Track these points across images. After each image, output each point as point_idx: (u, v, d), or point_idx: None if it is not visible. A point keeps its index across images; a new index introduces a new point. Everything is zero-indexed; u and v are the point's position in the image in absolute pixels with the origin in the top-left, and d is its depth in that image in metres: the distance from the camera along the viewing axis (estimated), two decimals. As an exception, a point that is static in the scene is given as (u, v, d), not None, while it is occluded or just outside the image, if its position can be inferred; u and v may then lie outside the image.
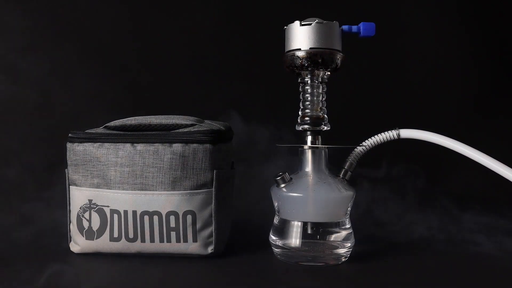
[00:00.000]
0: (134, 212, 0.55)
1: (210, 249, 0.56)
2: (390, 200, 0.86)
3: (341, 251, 0.56)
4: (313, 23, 0.55)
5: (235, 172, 0.63)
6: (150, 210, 0.55)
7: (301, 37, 0.56)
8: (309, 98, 0.58)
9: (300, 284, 0.50)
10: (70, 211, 0.59)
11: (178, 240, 0.55)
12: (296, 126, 0.59)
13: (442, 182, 1.05)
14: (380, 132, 0.60)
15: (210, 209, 0.56)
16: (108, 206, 0.56)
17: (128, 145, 0.56)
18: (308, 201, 0.55)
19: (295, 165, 0.60)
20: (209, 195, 0.56)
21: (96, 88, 1.04)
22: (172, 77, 1.07)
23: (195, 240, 0.55)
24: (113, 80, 1.05)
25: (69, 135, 0.58)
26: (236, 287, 0.49)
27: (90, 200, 0.57)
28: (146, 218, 0.55)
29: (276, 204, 0.59)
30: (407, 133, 0.59)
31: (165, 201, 0.55)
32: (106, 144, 0.57)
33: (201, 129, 0.56)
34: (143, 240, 0.56)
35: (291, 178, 0.58)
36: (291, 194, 0.56)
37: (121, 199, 0.55)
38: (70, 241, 0.59)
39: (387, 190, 0.85)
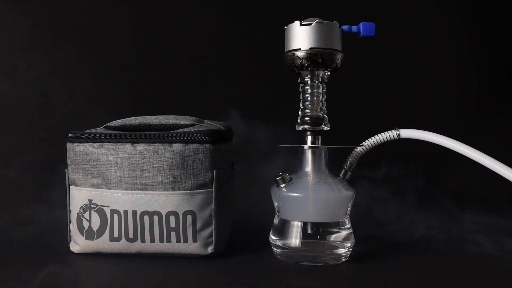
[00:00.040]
0: (134, 212, 0.55)
1: (210, 249, 0.56)
2: (390, 200, 0.86)
3: (341, 251, 0.56)
4: (313, 23, 0.55)
5: (235, 172, 0.63)
6: (150, 210, 0.55)
7: (301, 37, 0.56)
8: (309, 98, 0.58)
9: (300, 284, 0.50)
10: (70, 211, 0.59)
11: (178, 240, 0.55)
12: (296, 126, 0.59)
13: (442, 182, 1.05)
14: (380, 132, 0.60)
15: (210, 209, 0.56)
16: (108, 206, 0.56)
17: (128, 145, 0.56)
18: (308, 201, 0.55)
19: (295, 165, 0.60)
20: (209, 195, 0.56)
21: (96, 88, 1.04)
22: (172, 77, 1.07)
23: (195, 240, 0.55)
24: (113, 80, 1.05)
25: (69, 135, 0.58)
26: (236, 287, 0.49)
27: (90, 200, 0.57)
28: (146, 218, 0.55)
29: (276, 204, 0.59)
30: (407, 133, 0.59)
31: (165, 201, 0.55)
32: (106, 144, 0.57)
33: (201, 129, 0.56)
34: (143, 240, 0.56)
35: (291, 178, 0.58)
36: (291, 194, 0.56)
37: (121, 199, 0.55)
38: (70, 241, 0.59)
39: (387, 190, 0.85)
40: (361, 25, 0.57)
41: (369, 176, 0.79)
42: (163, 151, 0.55)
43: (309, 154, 0.58)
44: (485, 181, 0.93)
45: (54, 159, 0.72)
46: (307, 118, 0.58)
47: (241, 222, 0.73)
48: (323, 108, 0.59)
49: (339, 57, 0.57)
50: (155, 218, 0.55)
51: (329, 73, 0.58)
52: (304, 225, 0.56)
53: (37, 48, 1.03)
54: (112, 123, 0.60)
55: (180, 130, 0.57)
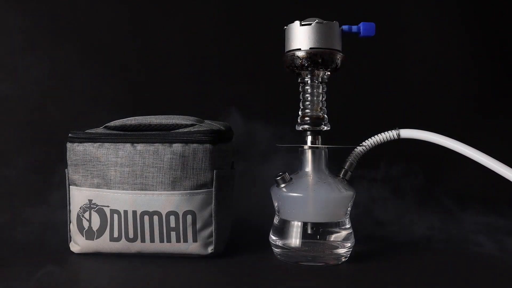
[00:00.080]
0: (134, 212, 0.55)
1: (210, 249, 0.56)
2: (390, 200, 0.86)
3: (341, 251, 0.56)
4: (313, 23, 0.55)
5: (235, 172, 0.63)
6: (150, 210, 0.55)
7: (301, 37, 0.56)
8: (309, 98, 0.58)
9: (300, 284, 0.50)
10: (70, 211, 0.59)
11: (178, 240, 0.55)
12: (296, 126, 0.59)
13: (442, 182, 1.05)
14: (380, 132, 0.60)
15: (210, 209, 0.56)
16: (108, 206, 0.56)
17: (128, 145, 0.56)
18: (308, 201, 0.55)
19: (295, 165, 0.60)
20: (209, 195, 0.56)
21: (96, 88, 1.04)
22: (172, 77, 1.07)
23: (195, 240, 0.55)
24: (113, 80, 1.05)
25: (69, 135, 0.58)
26: (236, 287, 0.49)
27: (90, 200, 0.57)
28: (146, 218, 0.55)
29: (276, 204, 0.59)
30: (407, 133, 0.59)
31: (165, 201, 0.55)
32: (106, 144, 0.57)
33: (201, 129, 0.56)
34: (143, 240, 0.56)
35: (291, 178, 0.58)
36: (291, 194, 0.56)
37: (121, 199, 0.55)
38: (70, 241, 0.59)
39: (387, 190, 0.85)
40: (361, 25, 0.57)
41: (369, 176, 0.79)
42: (163, 151, 0.55)
43: (309, 154, 0.58)
44: (485, 181, 0.93)
45: (54, 159, 0.72)
46: (307, 118, 0.58)
47: (241, 222, 0.73)
48: (323, 108, 0.59)
49: (339, 57, 0.57)
50: (155, 218, 0.55)
51: (329, 73, 0.58)
52: (304, 225, 0.56)
53: (37, 48, 1.03)
54: (112, 123, 0.60)
55: (180, 130, 0.57)
